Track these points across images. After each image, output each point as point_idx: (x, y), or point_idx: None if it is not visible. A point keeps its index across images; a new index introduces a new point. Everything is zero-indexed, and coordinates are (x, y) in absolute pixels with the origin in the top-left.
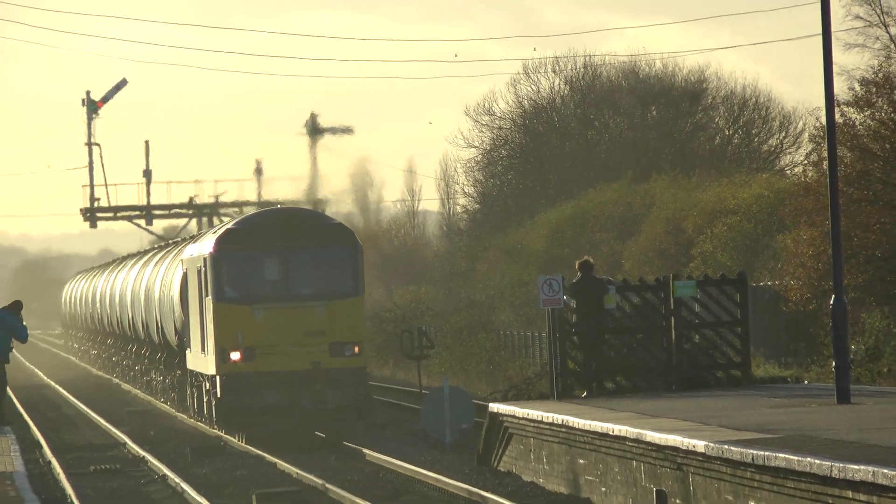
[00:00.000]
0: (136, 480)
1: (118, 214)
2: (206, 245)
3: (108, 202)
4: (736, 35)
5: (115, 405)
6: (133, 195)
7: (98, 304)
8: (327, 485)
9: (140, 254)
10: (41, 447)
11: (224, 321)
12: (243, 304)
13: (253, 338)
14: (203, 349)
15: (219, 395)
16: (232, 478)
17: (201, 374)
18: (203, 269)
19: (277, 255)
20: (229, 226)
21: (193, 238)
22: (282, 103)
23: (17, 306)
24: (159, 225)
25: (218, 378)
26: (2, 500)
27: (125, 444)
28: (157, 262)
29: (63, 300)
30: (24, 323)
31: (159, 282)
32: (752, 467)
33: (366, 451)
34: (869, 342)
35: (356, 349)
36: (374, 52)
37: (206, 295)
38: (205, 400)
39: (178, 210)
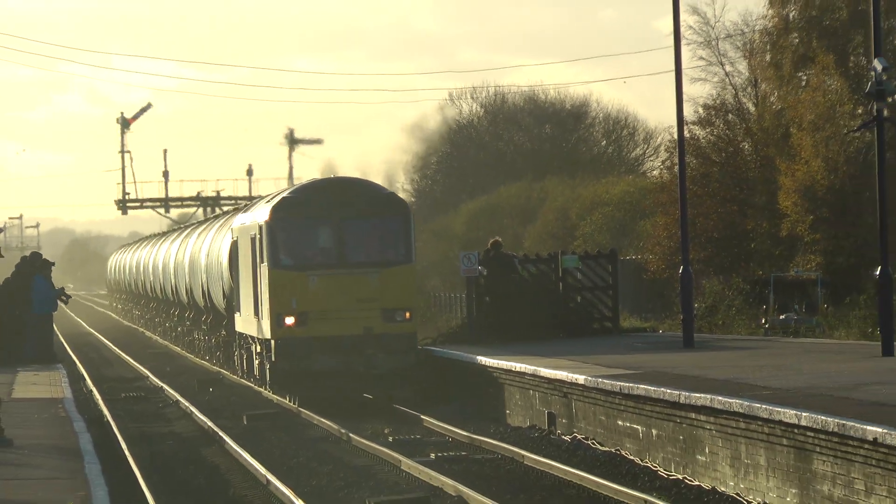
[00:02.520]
0: (156, 404)
1: (143, 205)
2: (260, 213)
3: (136, 195)
4: (608, 70)
5: (141, 348)
6: (155, 190)
7: (141, 272)
8: (300, 408)
9: (177, 230)
10: (84, 379)
11: (279, 287)
12: (298, 271)
13: (307, 303)
14: (256, 313)
15: (273, 358)
16: (228, 402)
17: (251, 338)
18: (258, 236)
19: (331, 223)
20: (284, 195)
21: (242, 208)
22: (266, 121)
23: (45, 265)
24: (174, 213)
25: (273, 342)
26: (55, 419)
27: (148, 377)
28: (199, 235)
29: (108, 268)
30: (63, 287)
31: (205, 251)
32: (619, 395)
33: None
34: (708, 301)
35: (407, 315)
36: (334, 83)
37: (262, 262)
38: (256, 363)
39: (188, 202)
